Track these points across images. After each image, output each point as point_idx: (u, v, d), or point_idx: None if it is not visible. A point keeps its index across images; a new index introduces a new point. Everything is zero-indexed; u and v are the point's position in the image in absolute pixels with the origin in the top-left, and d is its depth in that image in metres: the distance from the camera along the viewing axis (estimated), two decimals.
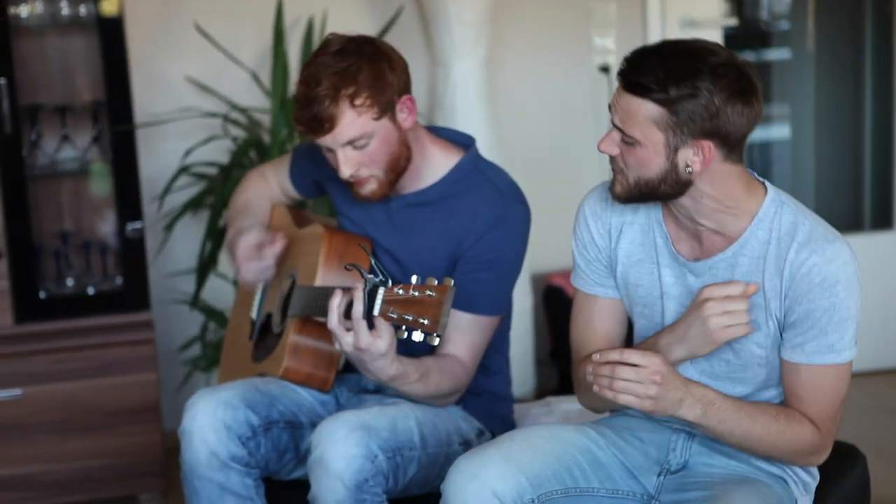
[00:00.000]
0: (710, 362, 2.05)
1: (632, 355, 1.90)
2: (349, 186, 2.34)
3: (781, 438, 1.99)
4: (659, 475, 2.09)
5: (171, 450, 3.19)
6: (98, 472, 3.38)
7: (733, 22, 4.14)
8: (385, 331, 2.09)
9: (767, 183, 2.03)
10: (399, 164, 2.32)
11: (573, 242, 2.19)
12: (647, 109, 1.90)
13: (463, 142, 2.45)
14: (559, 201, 3.91)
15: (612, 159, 1.99)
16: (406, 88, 2.31)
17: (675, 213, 2.04)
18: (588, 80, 4.05)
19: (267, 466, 2.32)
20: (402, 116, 2.30)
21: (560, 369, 3.93)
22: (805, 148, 4.60)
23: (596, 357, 1.93)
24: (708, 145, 1.91)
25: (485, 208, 2.33)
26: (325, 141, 2.25)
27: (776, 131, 4.63)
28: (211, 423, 2.24)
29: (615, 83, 1.98)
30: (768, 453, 2.02)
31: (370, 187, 2.31)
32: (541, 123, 4.05)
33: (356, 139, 2.25)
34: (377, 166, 2.29)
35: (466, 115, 3.64)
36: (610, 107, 1.98)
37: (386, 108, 2.26)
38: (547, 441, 2.03)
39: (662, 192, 1.96)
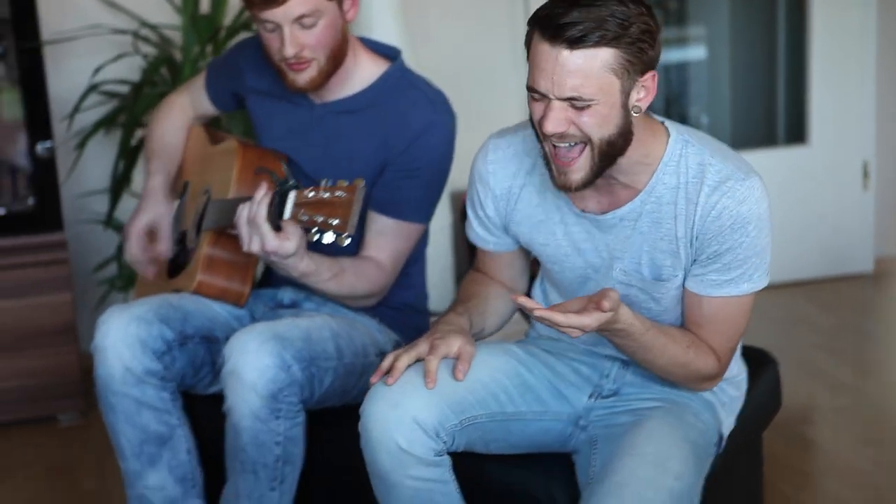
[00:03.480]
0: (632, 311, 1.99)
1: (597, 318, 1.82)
2: (284, 76, 2.31)
3: (685, 370, 1.98)
4: (590, 397, 2.08)
5: (88, 370, 3.17)
6: (15, 393, 3.36)
7: None
8: (293, 233, 2.11)
9: (667, 122, 1.95)
10: (339, 56, 2.31)
11: (467, 196, 2.14)
12: (603, 58, 1.78)
13: (389, 53, 2.44)
14: (476, 119, 3.91)
15: (561, 138, 1.84)
16: None
17: None
18: None
19: (183, 381, 2.32)
20: (347, 6, 2.30)
21: None
22: (720, 67, 4.64)
23: (562, 319, 1.81)
24: (652, 75, 1.84)
25: (414, 115, 2.33)
26: (275, 15, 2.22)
27: (692, 52, 4.66)
28: (124, 338, 2.23)
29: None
30: (666, 377, 2.01)
31: (309, 73, 2.29)
32: (456, 39, 4.03)
33: (306, 15, 2.22)
34: (321, 50, 2.27)
35: (382, 30, 3.61)
36: (533, 87, 1.82)
37: None
38: (472, 368, 1.98)
39: (619, 148, 1.86)
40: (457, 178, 2.28)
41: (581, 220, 1.99)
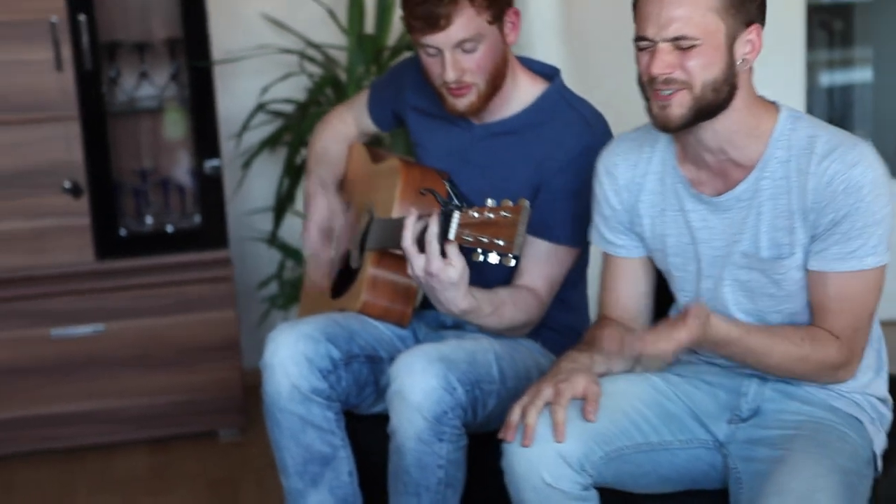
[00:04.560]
0: (754, 301, 2.00)
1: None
2: (444, 100, 2.30)
3: (806, 364, 1.96)
4: (729, 422, 2.04)
5: (250, 386, 3.22)
6: (178, 407, 3.43)
7: None
8: (457, 259, 2.08)
9: (778, 102, 1.99)
10: (498, 80, 2.29)
11: (592, 199, 2.16)
12: None
13: (548, 72, 2.41)
14: None
15: (666, 81, 1.90)
16: (512, 1, 2.29)
17: (695, 148, 1.99)
18: None
19: (347, 400, 2.32)
20: (508, 30, 2.28)
21: None
22: (889, 91, 4.50)
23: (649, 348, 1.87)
24: (757, 29, 1.90)
25: (571, 137, 2.30)
26: (437, 40, 2.22)
27: (858, 74, 4.54)
28: (292, 355, 2.24)
29: None
30: (789, 376, 2.00)
31: (469, 99, 2.28)
32: (619, 57, 3.97)
33: (468, 40, 2.22)
34: (481, 75, 2.26)
35: (544, 50, 3.59)
36: (641, 35, 1.92)
37: (499, 14, 2.25)
38: (611, 398, 1.98)
39: (723, 98, 1.90)
40: None
41: (698, 206, 2.01)
